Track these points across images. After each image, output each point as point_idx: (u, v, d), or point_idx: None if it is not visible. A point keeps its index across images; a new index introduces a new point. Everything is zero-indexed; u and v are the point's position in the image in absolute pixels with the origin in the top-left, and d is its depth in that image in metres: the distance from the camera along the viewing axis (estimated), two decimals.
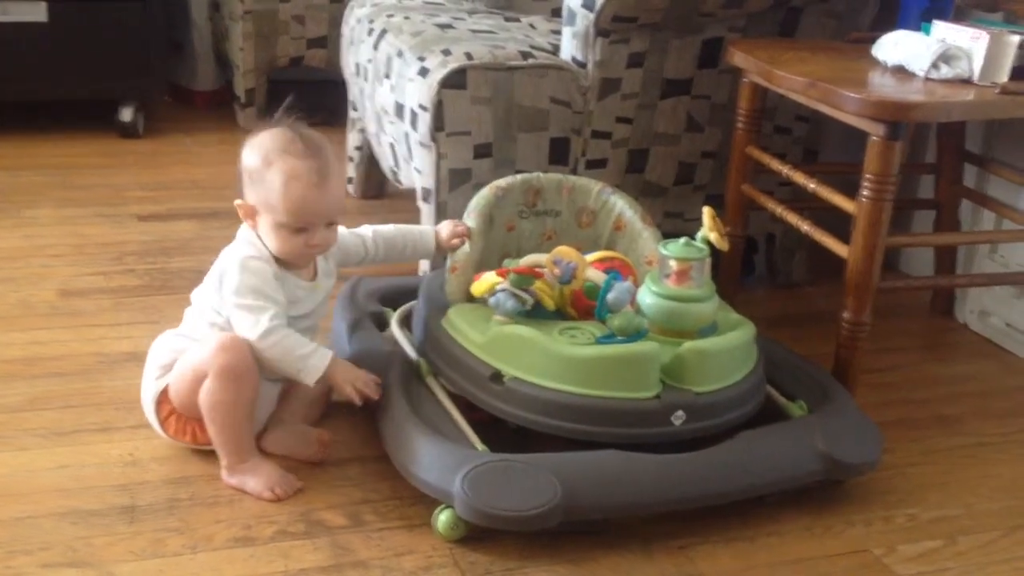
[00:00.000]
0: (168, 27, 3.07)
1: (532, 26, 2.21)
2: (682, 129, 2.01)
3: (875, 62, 1.73)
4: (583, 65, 1.89)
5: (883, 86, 1.62)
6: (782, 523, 1.44)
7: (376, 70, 2.15)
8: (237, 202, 1.47)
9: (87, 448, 1.51)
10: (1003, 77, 1.60)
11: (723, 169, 2.01)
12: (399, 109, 1.98)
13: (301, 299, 1.49)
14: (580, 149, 1.93)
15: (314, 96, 1.98)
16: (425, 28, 2.07)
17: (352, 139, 2.58)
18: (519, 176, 1.71)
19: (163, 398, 1.48)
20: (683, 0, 1.82)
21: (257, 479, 1.42)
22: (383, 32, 2.15)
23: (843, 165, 2.05)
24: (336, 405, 1.62)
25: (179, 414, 1.48)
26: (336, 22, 2.94)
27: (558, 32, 1.97)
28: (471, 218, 1.63)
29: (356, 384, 1.44)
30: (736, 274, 2.00)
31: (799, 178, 1.77)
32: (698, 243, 1.50)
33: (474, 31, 2.06)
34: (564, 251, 1.55)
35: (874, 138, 1.54)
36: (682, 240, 1.50)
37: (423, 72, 1.86)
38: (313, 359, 1.41)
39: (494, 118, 1.85)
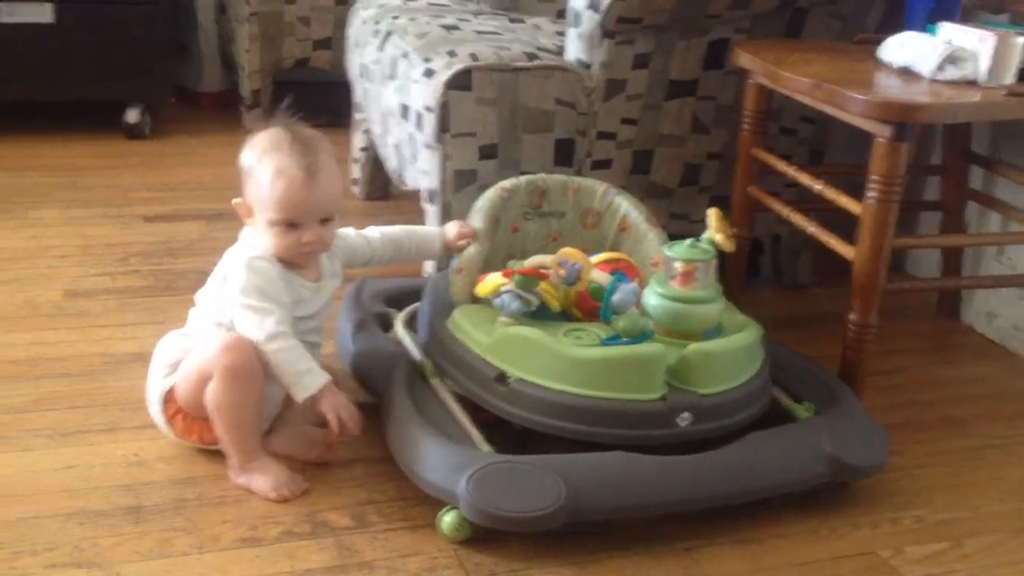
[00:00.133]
0: (174, 29, 3.08)
1: (537, 27, 2.21)
2: (688, 130, 2.01)
3: (881, 63, 1.73)
4: (588, 66, 1.88)
5: (889, 87, 1.62)
6: (788, 525, 1.44)
7: (381, 71, 2.15)
8: (235, 200, 1.47)
9: (93, 448, 1.51)
10: (1009, 78, 1.59)
11: (729, 170, 2.01)
12: (404, 110, 1.98)
13: (306, 300, 1.49)
14: (585, 150, 1.93)
15: (319, 97, 1.99)
16: (430, 30, 2.07)
17: (357, 140, 2.59)
18: (524, 177, 1.71)
19: (169, 397, 1.48)
20: (689, 1, 1.82)
21: (265, 479, 1.42)
22: (388, 34, 2.16)
23: (849, 166, 2.05)
24: None
25: (185, 413, 1.48)
26: (341, 24, 2.94)
27: (563, 33, 1.97)
28: (476, 219, 1.64)
29: (341, 412, 1.41)
30: (742, 275, 2.00)
31: (805, 179, 1.77)
32: (703, 244, 1.50)
33: (479, 32, 2.06)
34: (569, 252, 1.55)
35: (880, 139, 1.54)
36: (687, 241, 1.50)
37: (428, 73, 1.86)
38: (309, 377, 1.41)
39: (499, 119, 1.85)
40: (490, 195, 1.67)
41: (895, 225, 1.58)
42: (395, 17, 2.22)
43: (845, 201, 1.65)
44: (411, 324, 1.72)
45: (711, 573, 1.34)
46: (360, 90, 2.43)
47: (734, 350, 1.47)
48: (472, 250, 1.60)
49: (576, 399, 1.38)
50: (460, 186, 1.86)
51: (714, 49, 1.94)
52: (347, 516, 1.40)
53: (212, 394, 1.40)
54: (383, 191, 2.63)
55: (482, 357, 1.45)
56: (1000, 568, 1.39)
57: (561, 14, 2.22)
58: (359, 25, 2.40)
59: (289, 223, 1.42)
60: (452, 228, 1.62)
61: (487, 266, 1.62)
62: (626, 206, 1.70)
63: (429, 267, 1.93)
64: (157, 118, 3.09)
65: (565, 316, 1.55)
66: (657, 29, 1.88)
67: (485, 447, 1.39)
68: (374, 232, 1.62)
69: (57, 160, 2.79)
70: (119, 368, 1.73)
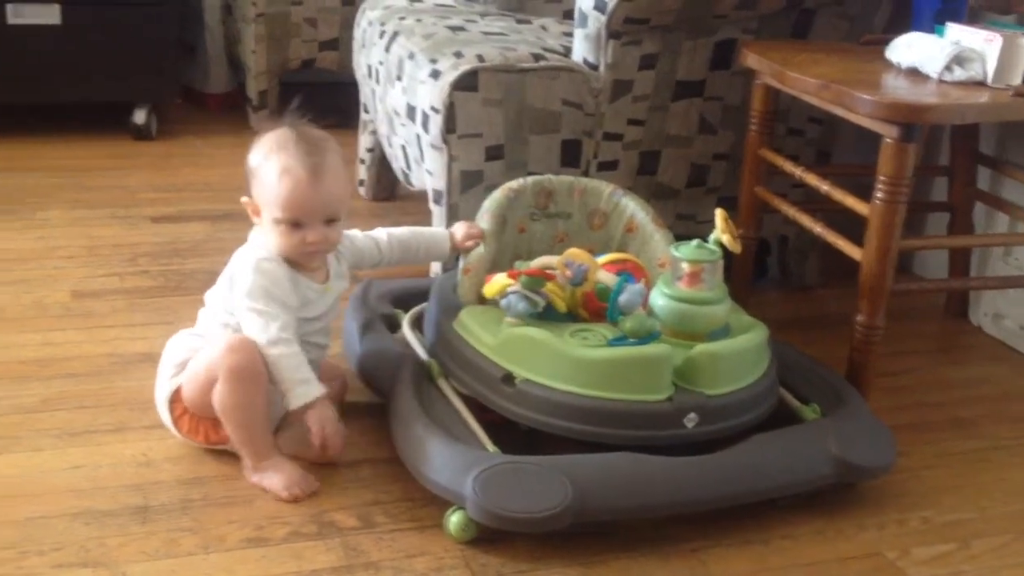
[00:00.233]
0: (181, 30, 3.08)
1: (544, 28, 2.21)
2: (694, 131, 2.01)
3: (888, 64, 1.73)
4: (595, 67, 1.88)
5: (897, 88, 1.62)
6: (795, 526, 1.44)
7: (388, 72, 2.15)
8: (243, 199, 1.48)
9: (100, 448, 1.51)
10: (1017, 79, 1.59)
11: (736, 171, 2.00)
12: (411, 111, 1.98)
13: (313, 301, 1.49)
14: (592, 151, 1.93)
15: (326, 98, 1.99)
16: (437, 30, 2.07)
17: (364, 141, 2.59)
18: (531, 178, 1.71)
19: (176, 397, 1.49)
20: (696, 2, 1.82)
21: (278, 478, 1.43)
22: (395, 34, 2.16)
23: (856, 167, 2.04)
24: (348, 407, 1.62)
25: (191, 413, 1.48)
26: (348, 25, 2.95)
27: (570, 34, 1.97)
28: (483, 220, 1.64)
29: (326, 427, 1.42)
30: (749, 276, 2.00)
31: (812, 180, 1.76)
32: (710, 245, 1.50)
33: (486, 33, 2.06)
34: (576, 253, 1.55)
35: (888, 140, 1.54)
36: (694, 242, 1.50)
37: (435, 74, 1.86)
38: (303, 387, 1.41)
39: (506, 120, 1.85)
40: (497, 196, 1.67)
41: (902, 226, 1.58)
42: (401, 18, 2.23)
43: (852, 202, 1.65)
44: (418, 325, 1.72)
45: (717, 574, 1.34)
46: (367, 91, 2.43)
47: (741, 351, 1.47)
48: (479, 251, 1.60)
49: (582, 400, 1.38)
50: (466, 187, 1.87)
51: (721, 50, 1.94)
52: (354, 516, 1.40)
53: (218, 396, 1.41)
54: (389, 192, 2.63)
55: (489, 358, 1.45)
56: (1007, 570, 1.39)
57: (568, 15, 2.22)
58: (365, 26, 2.40)
59: (294, 222, 1.43)
60: (459, 229, 1.62)
61: (494, 267, 1.62)
62: (633, 207, 1.70)
63: (436, 268, 1.93)
64: (164, 119, 3.10)
65: (571, 317, 1.55)
66: (664, 30, 1.88)
67: (491, 447, 1.39)
68: (381, 234, 1.62)
69: (64, 161, 2.80)
70: (127, 368, 1.74)
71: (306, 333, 1.49)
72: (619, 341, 1.44)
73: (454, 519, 1.35)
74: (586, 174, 1.92)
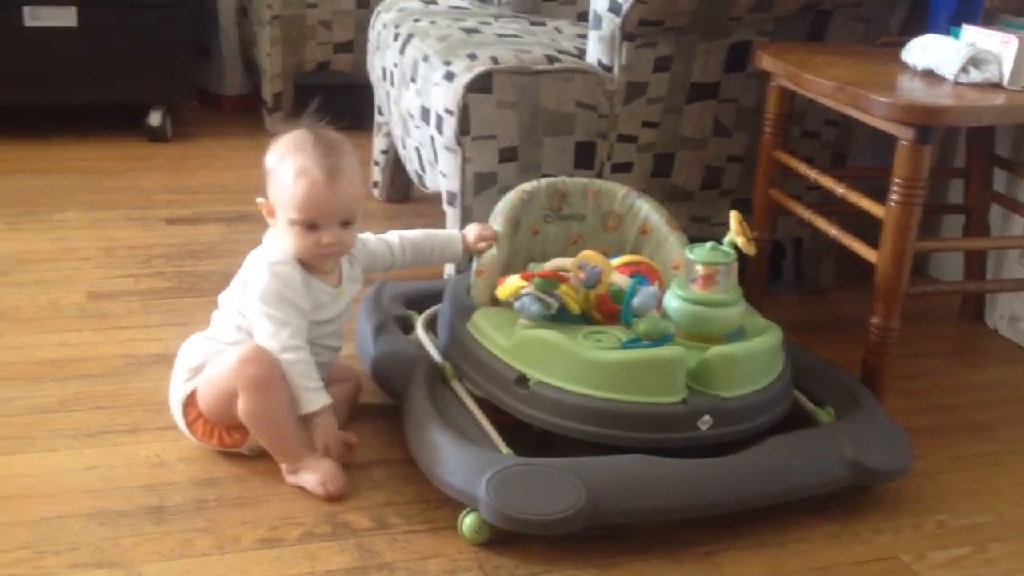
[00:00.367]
0: (196, 32, 3.10)
1: (558, 30, 2.21)
2: (709, 133, 2.00)
3: (904, 66, 1.72)
4: (609, 69, 1.88)
5: (912, 90, 1.61)
6: (810, 529, 1.43)
7: (402, 74, 2.15)
8: (259, 200, 1.48)
9: (116, 449, 1.52)
10: None
11: (750, 173, 2.00)
12: (425, 113, 1.98)
13: (326, 304, 1.49)
14: (606, 153, 1.93)
15: (341, 100, 1.99)
16: (451, 33, 2.07)
17: (378, 143, 2.59)
18: (544, 180, 1.71)
19: (190, 401, 1.49)
20: (711, 4, 1.82)
21: (313, 476, 1.43)
22: (409, 37, 2.16)
23: (872, 169, 2.03)
24: (362, 408, 1.63)
25: (205, 418, 1.49)
26: (363, 27, 2.96)
27: (584, 36, 1.97)
28: (497, 222, 1.64)
29: (329, 435, 1.44)
30: (763, 279, 1.99)
31: (827, 182, 1.76)
32: (725, 247, 1.50)
33: (500, 35, 2.07)
34: (589, 255, 1.54)
35: (903, 142, 1.53)
36: (709, 244, 1.50)
37: (449, 76, 1.86)
38: (311, 395, 1.42)
39: (520, 122, 1.85)
40: (510, 198, 1.67)
41: (918, 228, 1.57)
42: (416, 20, 2.23)
43: (868, 204, 1.64)
44: (431, 326, 1.72)
45: None
46: (381, 93, 2.43)
47: (755, 353, 1.46)
48: (492, 252, 1.60)
49: (596, 402, 1.38)
50: (480, 189, 1.87)
51: (736, 52, 1.94)
52: (367, 518, 1.40)
53: (241, 408, 1.42)
54: (403, 194, 2.63)
55: (502, 359, 1.45)
56: (1022, 573, 1.38)
57: (582, 17, 2.22)
58: (380, 28, 2.41)
59: (309, 224, 1.43)
60: (473, 230, 1.63)
61: (507, 269, 1.62)
62: (647, 209, 1.70)
63: (449, 269, 1.93)
64: (179, 121, 3.11)
65: (585, 319, 1.55)
66: (678, 32, 1.87)
67: (505, 449, 1.39)
68: (394, 237, 1.62)
69: (80, 163, 2.81)
70: (142, 369, 1.74)
71: (318, 336, 1.49)
72: (633, 343, 1.44)
73: (468, 521, 1.35)
74: (600, 176, 1.91)
